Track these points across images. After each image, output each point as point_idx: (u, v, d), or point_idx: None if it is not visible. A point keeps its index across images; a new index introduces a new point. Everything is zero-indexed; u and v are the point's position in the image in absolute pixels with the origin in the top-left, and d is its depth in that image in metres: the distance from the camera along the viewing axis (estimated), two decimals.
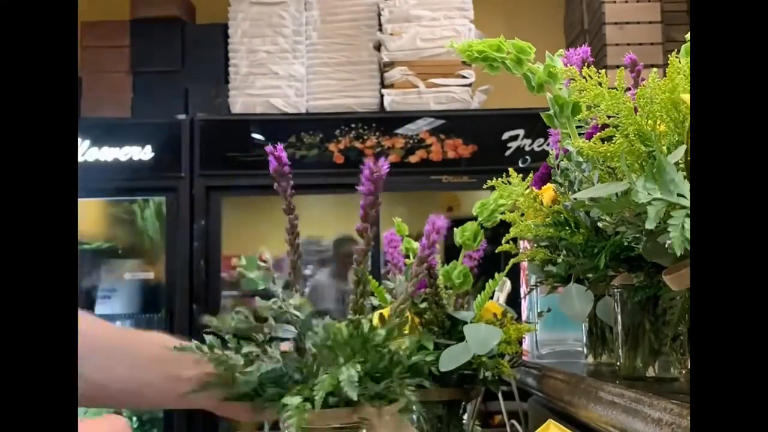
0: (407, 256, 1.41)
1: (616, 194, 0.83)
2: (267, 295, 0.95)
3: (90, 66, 4.07)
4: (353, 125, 3.88)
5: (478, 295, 1.31)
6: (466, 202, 4.09)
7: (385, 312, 0.94)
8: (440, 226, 1.03)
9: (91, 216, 4.24)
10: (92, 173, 3.75)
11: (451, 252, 1.31)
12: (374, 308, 1.27)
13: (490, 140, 3.86)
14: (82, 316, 0.88)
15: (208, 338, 0.93)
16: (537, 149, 3.80)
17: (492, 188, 1.24)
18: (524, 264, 1.48)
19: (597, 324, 1.32)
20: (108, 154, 3.88)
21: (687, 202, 0.73)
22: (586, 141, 0.86)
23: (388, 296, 1.29)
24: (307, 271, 4.43)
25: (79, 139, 3.86)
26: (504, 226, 1.20)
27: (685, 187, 0.74)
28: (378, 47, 4.00)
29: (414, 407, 0.92)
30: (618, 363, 1.09)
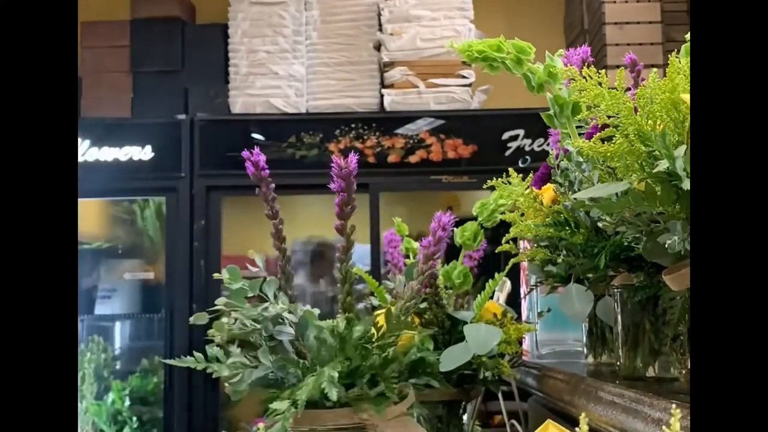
0: (407, 256, 1.41)
1: (616, 194, 0.83)
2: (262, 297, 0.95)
3: (90, 66, 4.07)
4: (353, 125, 3.88)
5: (478, 295, 1.31)
6: (466, 202, 4.09)
7: (381, 319, 0.94)
8: (446, 223, 1.02)
9: (91, 216, 4.24)
10: (92, 173, 3.75)
11: (451, 252, 1.31)
12: (374, 308, 1.27)
13: (490, 140, 3.86)
14: None
15: (210, 350, 0.93)
16: (537, 149, 3.80)
17: (492, 188, 1.24)
18: (524, 264, 1.48)
19: (597, 324, 1.32)
20: (108, 154, 3.88)
21: None
22: (586, 141, 0.86)
23: (388, 296, 1.29)
24: None
25: (79, 139, 3.86)
26: (504, 226, 1.20)
27: None
28: (378, 47, 4.01)
29: (414, 407, 0.92)
30: (618, 363, 1.09)
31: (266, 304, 0.94)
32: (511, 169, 1.21)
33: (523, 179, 1.20)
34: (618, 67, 1.00)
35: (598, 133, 0.86)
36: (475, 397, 1.28)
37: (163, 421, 3.82)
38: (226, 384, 0.91)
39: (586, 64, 1.04)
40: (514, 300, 1.51)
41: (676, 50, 0.86)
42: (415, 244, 1.39)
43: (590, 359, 1.35)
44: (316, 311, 0.97)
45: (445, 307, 1.28)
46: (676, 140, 0.79)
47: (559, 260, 1.13)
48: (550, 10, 4.49)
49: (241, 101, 3.95)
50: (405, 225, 1.45)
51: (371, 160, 3.84)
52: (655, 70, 0.83)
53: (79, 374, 3.79)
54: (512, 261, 1.24)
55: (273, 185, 0.99)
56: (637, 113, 0.81)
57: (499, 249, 1.25)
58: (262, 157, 0.98)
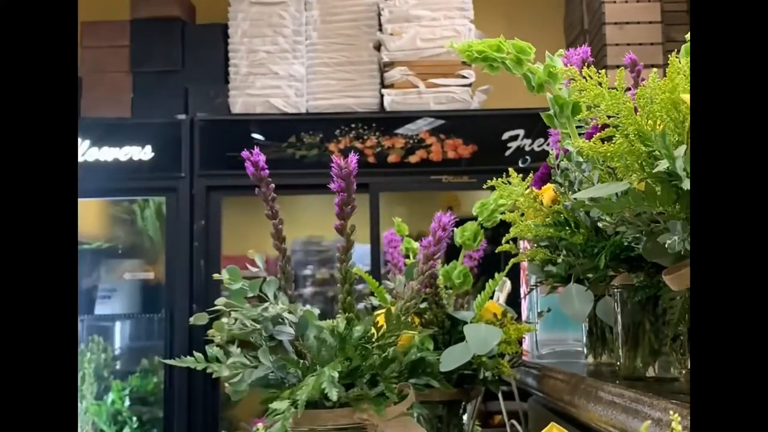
0: (407, 256, 1.41)
1: (616, 194, 0.83)
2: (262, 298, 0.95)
3: (90, 66, 4.07)
4: (353, 125, 3.88)
5: (478, 295, 1.31)
6: (466, 202, 4.09)
7: (381, 319, 0.94)
8: (446, 223, 1.02)
9: (91, 216, 4.24)
10: (92, 173, 3.75)
11: (451, 252, 1.31)
12: (374, 308, 1.27)
13: (490, 140, 3.86)
14: None
15: (210, 350, 0.93)
16: (537, 149, 3.80)
17: (492, 188, 1.24)
18: (524, 264, 1.48)
19: (597, 324, 1.32)
20: (108, 154, 3.88)
21: None
22: (586, 141, 0.86)
23: (388, 296, 1.30)
24: (308, 271, 4.44)
25: (79, 139, 3.86)
26: (504, 226, 1.20)
27: None
28: (378, 47, 4.01)
29: (414, 407, 0.92)
30: (618, 363, 1.09)
31: (266, 304, 0.94)
32: (511, 169, 1.21)
33: (523, 179, 1.20)
34: (618, 67, 1.00)
35: (598, 133, 0.86)
36: (475, 397, 1.28)
37: (163, 421, 3.83)
38: (226, 384, 0.91)
39: (586, 64, 1.04)
40: (514, 300, 1.51)
41: (676, 50, 0.86)
42: (415, 244, 1.39)
43: (590, 359, 1.35)
44: (316, 311, 0.98)
45: (445, 307, 1.28)
46: (676, 140, 0.78)
47: (559, 260, 1.13)
48: (550, 10, 4.49)
49: (241, 101, 3.95)
50: (405, 225, 1.45)
51: (371, 160, 3.84)
52: (655, 70, 0.83)
53: (79, 374, 3.79)
54: (512, 261, 1.24)
55: (273, 185, 0.99)
56: (637, 113, 0.81)
57: (499, 249, 1.25)
58: (262, 157, 0.98)
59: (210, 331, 0.95)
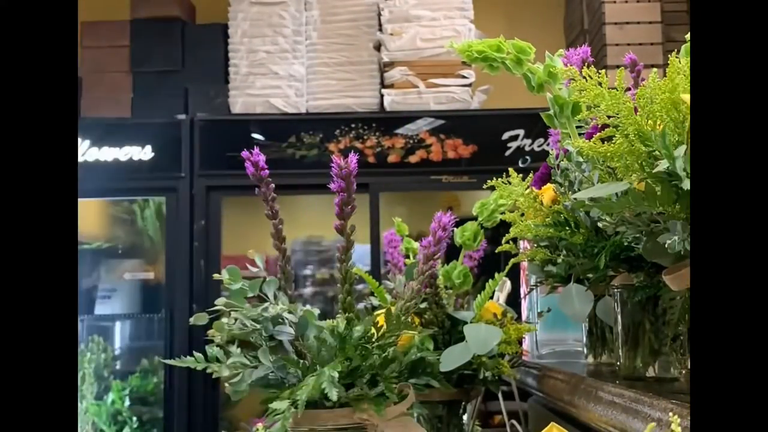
0: (407, 256, 1.41)
1: (616, 194, 0.83)
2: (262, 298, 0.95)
3: (90, 66, 4.07)
4: (353, 125, 3.88)
5: (478, 295, 1.31)
6: (466, 202, 4.09)
7: (381, 319, 0.94)
8: (446, 223, 1.02)
9: (91, 216, 4.24)
10: (92, 173, 3.75)
11: (451, 252, 1.31)
12: (374, 308, 1.27)
13: (490, 140, 3.86)
14: None
15: (210, 350, 0.93)
16: (537, 149, 3.80)
17: (492, 188, 1.24)
18: (524, 264, 1.48)
19: (597, 324, 1.32)
20: (108, 154, 3.88)
21: None
22: (586, 141, 0.86)
23: (388, 296, 1.30)
24: (308, 271, 4.44)
25: (79, 139, 3.86)
26: (504, 226, 1.20)
27: None
28: (378, 47, 4.01)
29: (414, 407, 0.92)
30: (618, 363, 1.09)
31: (266, 304, 0.94)
32: (511, 169, 1.21)
33: (523, 179, 1.20)
34: (618, 67, 1.00)
35: (598, 133, 0.86)
36: (475, 397, 1.28)
37: (163, 421, 3.83)
38: (226, 384, 0.92)
39: (586, 64, 1.04)
40: (514, 300, 1.51)
41: (676, 50, 0.86)
42: (415, 244, 1.39)
43: (590, 359, 1.35)
44: (316, 311, 0.98)
45: (445, 307, 1.28)
46: (676, 140, 0.78)
47: (559, 260, 1.13)
48: (550, 10, 4.49)
49: (241, 101, 3.96)
50: (405, 225, 1.45)
51: (371, 160, 3.84)
52: (655, 70, 0.83)
53: (79, 374, 3.79)
54: (512, 261, 1.24)
55: (273, 185, 0.99)
56: (637, 113, 0.81)
57: (499, 249, 1.25)
58: (262, 157, 0.98)
59: (210, 331, 0.95)
